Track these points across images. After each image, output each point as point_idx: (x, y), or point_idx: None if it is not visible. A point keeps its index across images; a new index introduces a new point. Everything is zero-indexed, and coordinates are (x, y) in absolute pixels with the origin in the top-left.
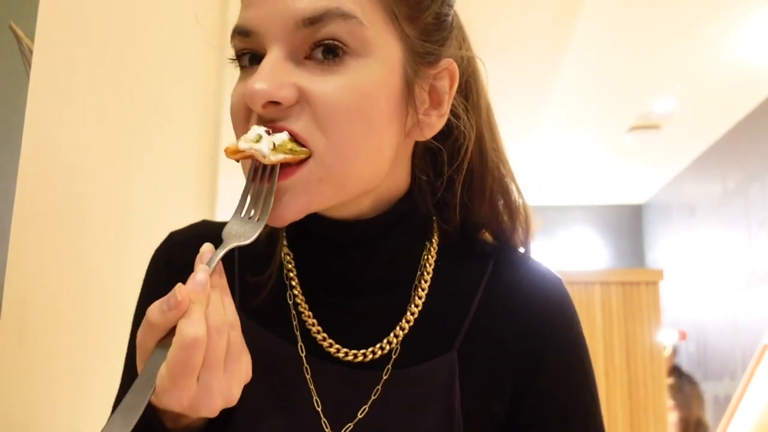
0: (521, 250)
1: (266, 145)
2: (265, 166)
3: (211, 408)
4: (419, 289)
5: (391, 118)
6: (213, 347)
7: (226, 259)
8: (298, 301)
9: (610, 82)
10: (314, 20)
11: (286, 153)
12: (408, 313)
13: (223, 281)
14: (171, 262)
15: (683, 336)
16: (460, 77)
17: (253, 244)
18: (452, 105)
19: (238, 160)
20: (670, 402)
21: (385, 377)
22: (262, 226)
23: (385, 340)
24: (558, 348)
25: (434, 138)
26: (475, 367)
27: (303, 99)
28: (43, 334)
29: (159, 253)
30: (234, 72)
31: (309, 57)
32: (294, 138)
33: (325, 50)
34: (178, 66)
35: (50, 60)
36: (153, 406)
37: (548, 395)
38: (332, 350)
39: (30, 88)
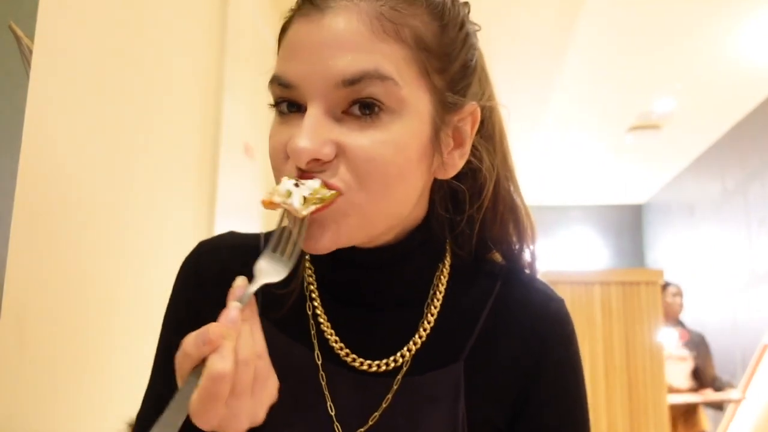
0: (527, 270)
1: (297, 200)
2: None
3: (238, 429)
4: (432, 307)
5: (419, 163)
6: (240, 378)
7: (250, 267)
8: (318, 312)
9: (611, 82)
10: (353, 81)
11: (316, 203)
12: (421, 329)
13: (254, 313)
14: (199, 271)
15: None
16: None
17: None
18: (473, 144)
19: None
20: (685, 352)
21: (395, 387)
22: (293, 265)
23: (398, 354)
24: (556, 364)
25: (455, 177)
26: (480, 379)
27: (341, 153)
28: (43, 334)
29: (188, 261)
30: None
31: (347, 112)
32: (324, 184)
33: (362, 107)
34: (178, 66)
35: (50, 60)
36: (189, 421)
37: (544, 407)
38: (348, 359)
39: (30, 88)
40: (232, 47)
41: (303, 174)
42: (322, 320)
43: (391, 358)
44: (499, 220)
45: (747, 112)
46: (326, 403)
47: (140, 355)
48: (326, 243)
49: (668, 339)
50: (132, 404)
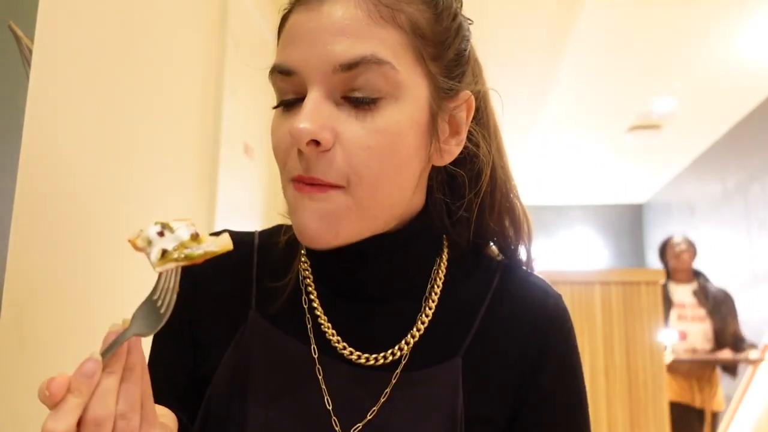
0: (524, 265)
1: (155, 253)
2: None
3: None
4: (429, 300)
5: (417, 151)
6: None
7: (245, 264)
8: (314, 305)
9: (611, 82)
10: (351, 66)
11: (177, 261)
12: (419, 323)
13: (133, 361)
14: (195, 268)
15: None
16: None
17: (274, 250)
18: (468, 131)
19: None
20: (699, 311)
21: (394, 381)
22: (165, 320)
23: (396, 347)
24: (555, 358)
25: (452, 163)
26: (478, 375)
27: (338, 141)
28: (43, 334)
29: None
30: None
31: (346, 97)
32: (196, 236)
33: (360, 93)
34: (178, 65)
35: (50, 60)
36: None
37: (544, 402)
38: (345, 352)
39: (30, 88)
40: (232, 47)
41: (306, 180)
42: (318, 313)
43: (389, 352)
44: (497, 209)
45: (747, 112)
46: (323, 397)
47: None
48: (325, 239)
49: (683, 296)
50: None
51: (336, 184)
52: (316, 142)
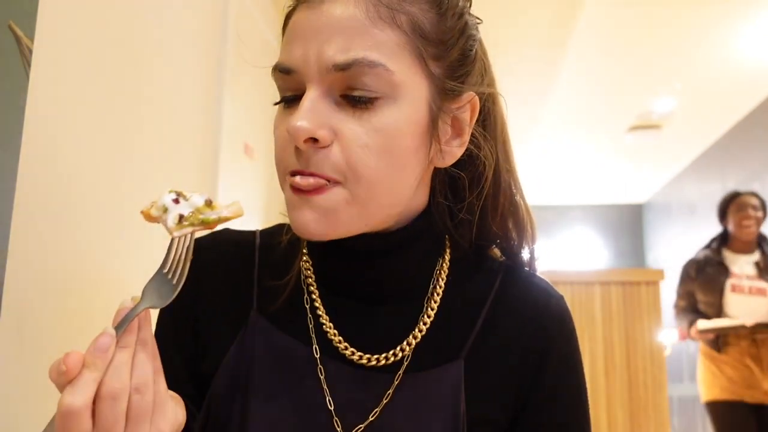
0: (527, 267)
1: (171, 218)
2: None
3: None
4: (432, 301)
5: (417, 151)
6: (102, 414)
7: (246, 264)
8: (316, 305)
9: (611, 81)
10: (344, 67)
11: (194, 225)
12: (421, 323)
13: (144, 336)
14: (197, 265)
15: (683, 336)
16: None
17: (275, 249)
18: (472, 134)
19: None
20: (760, 284)
21: (396, 382)
22: (179, 289)
23: (398, 347)
24: (558, 360)
25: (454, 165)
26: (480, 376)
27: (337, 139)
28: (43, 334)
29: None
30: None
31: (344, 95)
32: (210, 202)
33: (356, 93)
34: (178, 65)
35: (50, 60)
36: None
37: (547, 403)
38: (347, 353)
39: (30, 88)
40: (232, 47)
41: (304, 173)
42: (320, 313)
43: (391, 352)
44: (500, 211)
45: (747, 112)
46: (325, 397)
47: None
48: (323, 230)
49: (743, 266)
50: None
51: (333, 178)
52: (314, 140)
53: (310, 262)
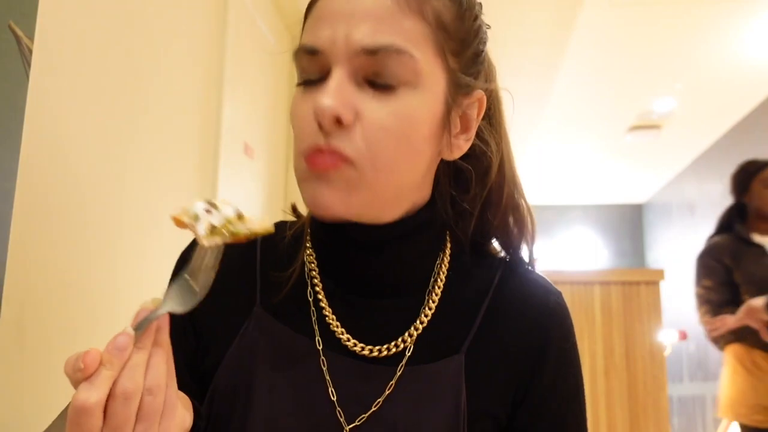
0: (526, 263)
1: (203, 227)
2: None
3: None
4: (433, 294)
5: (430, 140)
6: (113, 413)
7: (249, 259)
8: (319, 297)
9: (611, 81)
10: (372, 51)
11: (225, 237)
12: (422, 315)
13: (162, 338)
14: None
15: (683, 336)
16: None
17: (278, 245)
18: (478, 129)
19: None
20: None
21: (398, 373)
22: (203, 296)
23: (399, 339)
24: (557, 355)
25: (461, 159)
26: (480, 371)
27: (357, 120)
28: (43, 334)
29: (184, 252)
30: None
31: (368, 79)
32: (241, 215)
33: (381, 78)
34: (178, 65)
35: (50, 60)
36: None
37: (544, 398)
38: (349, 344)
39: (30, 88)
40: (232, 47)
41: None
42: (323, 305)
43: (393, 343)
44: (503, 206)
45: (747, 112)
46: (328, 389)
47: None
48: (336, 207)
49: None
50: None
51: (351, 158)
52: (338, 120)
53: (314, 255)
